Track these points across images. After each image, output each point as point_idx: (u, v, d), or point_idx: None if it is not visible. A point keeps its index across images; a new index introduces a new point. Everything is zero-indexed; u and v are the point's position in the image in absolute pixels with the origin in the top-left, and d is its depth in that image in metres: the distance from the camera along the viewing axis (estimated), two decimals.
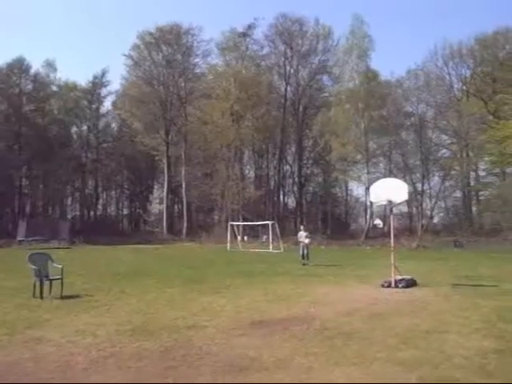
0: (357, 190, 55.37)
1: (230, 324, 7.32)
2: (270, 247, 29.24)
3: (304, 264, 18.18)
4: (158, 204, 52.84)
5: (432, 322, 7.43)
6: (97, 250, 32.06)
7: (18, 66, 49.69)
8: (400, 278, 11.72)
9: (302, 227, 21.39)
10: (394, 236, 12.69)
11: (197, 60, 51.37)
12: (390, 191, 12.10)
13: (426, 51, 63.69)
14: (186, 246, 37.37)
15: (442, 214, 48.24)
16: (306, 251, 18.79)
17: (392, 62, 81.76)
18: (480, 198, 43.18)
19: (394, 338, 6.33)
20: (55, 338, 6.50)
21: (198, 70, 51.72)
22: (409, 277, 11.99)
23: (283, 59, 50.93)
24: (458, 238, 34.19)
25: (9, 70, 49.56)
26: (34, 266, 10.11)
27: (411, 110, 46.05)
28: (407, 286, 11.36)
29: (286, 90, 51.21)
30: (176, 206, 54.34)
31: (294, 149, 53.29)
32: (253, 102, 44.83)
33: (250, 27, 47.83)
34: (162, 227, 48.25)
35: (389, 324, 7.28)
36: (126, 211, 61.11)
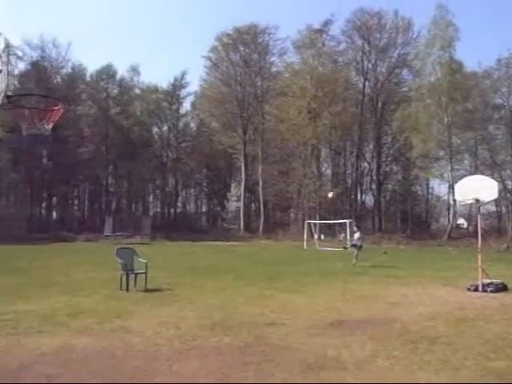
0: (438, 187, 52.62)
1: (308, 322, 7.29)
2: (348, 245, 28.74)
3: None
4: (235, 202, 53.75)
5: None
6: (176, 245, 33.24)
7: (106, 72, 52.69)
8: (488, 281, 11.04)
9: (355, 228, 20.94)
10: (481, 237, 11.96)
11: (273, 59, 51.62)
12: (477, 189, 11.41)
13: None
14: (262, 243, 37.71)
15: None
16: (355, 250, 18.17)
17: (480, 52, 76.49)
18: None
19: (483, 346, 5.97)
20: (141, 328, 6.84)
21: (274, 69, 51.92)
22: (498, 281, 11.26)
23: (361, 54, 49.71)
24: None
25: (98, 77, 52.81)
26: (120, 260, 10.70)
27: (501, 102, 43.06)
28: (496, 291, 10.67)
29: (363, 85, 49.96)
30: (253, 204, 55.00)
31: (372, 146, 51.90)
32: (330, 99, 44.23)
33: (326, 23, 47.21)
34: (238, 224, 49.03)
35: (477, 330, 6.88)
36: (204, 208, 62.82)
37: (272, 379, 4.68)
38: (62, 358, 5.31)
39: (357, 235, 19.15)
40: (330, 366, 5.09)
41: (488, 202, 14.84)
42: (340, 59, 49.95)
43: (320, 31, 47.07)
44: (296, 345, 5.95)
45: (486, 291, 10.62)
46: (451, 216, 42.34)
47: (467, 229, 40.91)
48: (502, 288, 10.93)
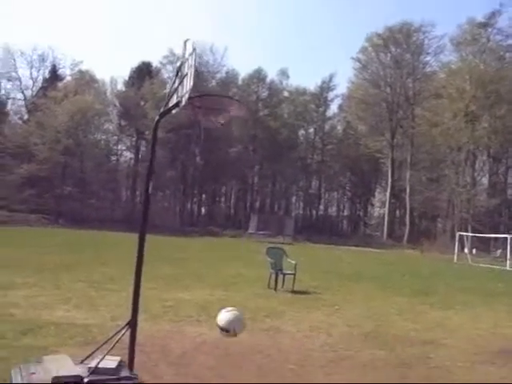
0: None
1: (470, 346, 6.59)
2: (507, 264, 25.87)
3: None
4: (379, 208, 52.10)
5: None
6: (318, 248, 33.27)
7: (257, 76, 55.07)
8: None
9: None
10: None
11: (427, 58, 48.77)
12: None
13: None
14: (406, 252, 35.91)
15: None
16: None
17: None
18: None
19: None
20: (291, 330, 6.85)
21: (428, 69, 49.01)
22: None
23: None
24: None
25: (249, 80, 55.37)
26: (270, 260, 10.93)
27: None
28: None
29: None
30: (397, 211, 52.73)
31: None
32: (492, 101, 40.41)
33: (493, 15, 42.71)
34: (381, 231, 47.42)
35: None
36: (346, 212, 61.95)
37: None
38: (220, 350, 5.52)
39: None
40: None
41: None
42: (507, 55, 45.14)
43: (484, 25, 42.98)
44: (460, 370, 5.40)
45: None
46: None
47: None
48: None
